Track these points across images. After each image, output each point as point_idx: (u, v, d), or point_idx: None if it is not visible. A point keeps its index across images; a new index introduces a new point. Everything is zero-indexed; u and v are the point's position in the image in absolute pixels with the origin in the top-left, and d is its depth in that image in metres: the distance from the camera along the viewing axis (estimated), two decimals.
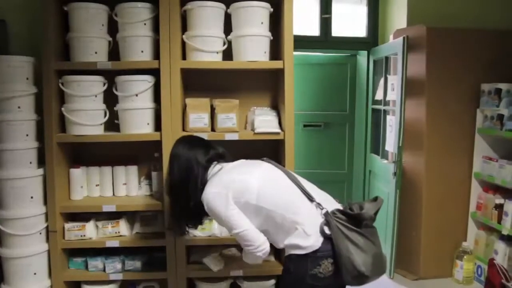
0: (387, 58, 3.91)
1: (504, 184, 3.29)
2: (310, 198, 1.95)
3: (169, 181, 2.13)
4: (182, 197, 2.07)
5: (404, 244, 3.74)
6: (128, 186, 2.83)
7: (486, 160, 3.52)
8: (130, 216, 2.80)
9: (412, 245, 3.74)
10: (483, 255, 3.53)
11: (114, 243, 2.64)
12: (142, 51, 2.61)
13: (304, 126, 4.58)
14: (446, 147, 3.61)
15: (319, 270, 1.83)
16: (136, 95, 2.61)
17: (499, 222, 3.34)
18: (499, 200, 3.38)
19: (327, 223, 1.87)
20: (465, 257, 3.55)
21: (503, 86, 3.31)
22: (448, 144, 3.62)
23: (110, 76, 2.65)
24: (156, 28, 2.60)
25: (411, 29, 3.63)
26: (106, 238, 2.66)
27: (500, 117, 3.29)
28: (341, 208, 1.98)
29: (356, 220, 1.88)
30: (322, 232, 1.86)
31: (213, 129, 2.66)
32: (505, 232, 3.27)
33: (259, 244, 1.94)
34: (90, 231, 2.65)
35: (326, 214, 1.89)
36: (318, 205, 1.93)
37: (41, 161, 2.63)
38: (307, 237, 1.86)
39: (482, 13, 3.73)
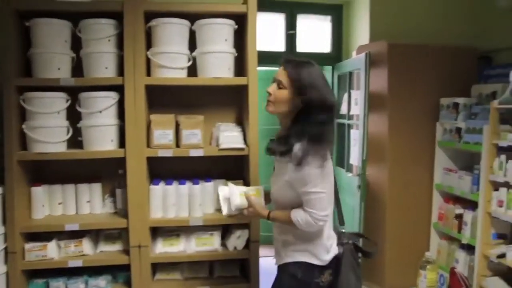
0: (350, 73, 4.00)
1: (463, 194, 3.40)
2: (340, 213, 2.12)
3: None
4: None
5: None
6: (91, 204, 2.79)
7: (446, 172, 3.63)
8: (94, 234, 2.75)
9: (376, 256, 3.79)
10: (445, 264, 3.63)
11: (77, 263, 2.59)
12: (106, 68, 2.59)
13: (271, 140, 4.62)
14: (408, 159, 3.71)
15: (321, 279, 1.97)
16: (100, 111, 2.59)
17: (459, 231, 3.44)
18: (459, 210, 3.49)
19: (341, 244, 2.08)
20: (428, 266, 3.63)
21: (460, 100, 3.44)
22: (410, 157, 3.71)
23: (73, 93, 2.62)
24: (120, 45, 2.59)
25: (373, 45, 3.73)
26: (68, 257, 2.60)
27: (458, 130, 3.41)
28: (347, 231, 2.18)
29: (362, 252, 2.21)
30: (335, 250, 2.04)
31: (178, 145, 2.66)
32: (465, 241, 3.37)
33: (322, 214, 1.89)
34: (52, 251, 2.58)
35: (341, 236, 2.11)
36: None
37: (1, 180, 2.56)
38: (328, 252, 1.99)
39: (441, 30, 3.87)
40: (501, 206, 2.97)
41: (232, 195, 2.08)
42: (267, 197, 2.16)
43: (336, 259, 2.03)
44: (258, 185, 2.28)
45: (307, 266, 1.96)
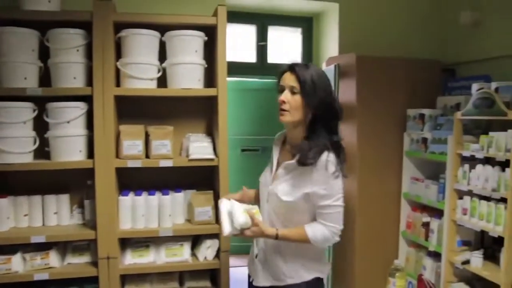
0: None
1: (429, 203, 3.47)
2: None
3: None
4: None
5: (339, 265, 3.84)
6: (59, 215, 2.75)
7: (413, 181, 3.71)
8: (62, 246, 2.71)
9: (347, 264, 3.84)
10: (413, 271, 3.68)
11: (44, 276, 2.54)
12: (74, 78, 2.58)
13: (242, 150, 4.65)
14: (377, 169, 3.76)
15: None
16: (68, 122, 2.57)
17: (426, 239, 3.51)
18: (426, 218, 3.55)
19: None
20: (397, 274, 3.66)
21: (426, 111, 3.52)
22: (378, 166, 3.77)
23: (41, 102, 2.59)
24: (89, 55, 2.59)
25: (342, 57, 3.80)
26: (34, 271, 2.55)
27: (424, 140, 3.49)
28: None
29: None
30: None
31: (147, 156, 2.66)
32: (431, 248, 3.44)
33: (340, 229, 1.89)
34: (17, 264, 2.53)
35: None
36: None
37: None
38: (328, 262, 2.06)
39: (407, 43, 3.98)
40: (465, 214, 3.05)
41: (236, 212, 1.88)
42: None
43: None
44: (253, 205, 2.05)
45: (318, 281, 1.96)
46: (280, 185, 1.89)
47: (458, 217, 3.11)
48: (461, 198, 3.10)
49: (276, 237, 1.85)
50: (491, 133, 2.82)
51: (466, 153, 3.01)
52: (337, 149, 1.84)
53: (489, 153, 2.82)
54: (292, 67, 1.88)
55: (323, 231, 1.84)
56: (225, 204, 1.96)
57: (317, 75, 1.86)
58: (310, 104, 1.83)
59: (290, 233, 1.87)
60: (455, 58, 3.88)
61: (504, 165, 2.73)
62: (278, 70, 1.96)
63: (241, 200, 2.04)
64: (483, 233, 3.13)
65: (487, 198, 2.87)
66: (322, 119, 1.85)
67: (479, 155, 2.90)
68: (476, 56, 3.64)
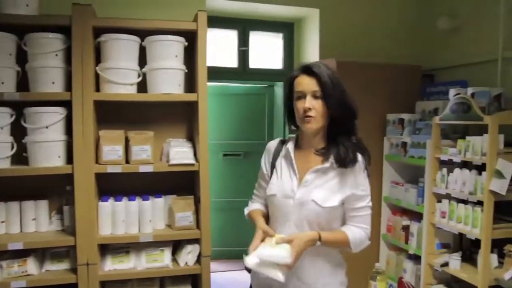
0: None
1: (409, 206, 3.52)
2: None
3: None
4: None
5: None
6: (37, 222, 2.71)
7: (393, 185, 3.75)
8: (40, 253, 2.67)
9: None
10: (394, 274, 3.72)
11: (21, 284, 2.49)
12: (53, 83, 2.55)
13: (224, 155, 4.66)
14: None
15: None
16: (47, 127, 2.54)
17: (406, 242, 3.55)
18: (405, 222, 3.60)
19: None
20: (378, 277, 3.66)
21: (405, 116, 3.58)
22: None
23: (18, 107, 2.56)
24: (68, 59, 2.56)
25: (323, 62, 3.83)
26: (11, 278, 2.51)
27: (404, 144, 3.54)
28: None
29: None
30: None
31: (127, 161, 2.64)
32: (411, 251, 3.48)
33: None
34: None
35: None
36: None
37: None
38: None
39: (387, 49, 4.03)
40: (444, 217, 3.09)
41: (272, 255, 1.63)
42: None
43: None
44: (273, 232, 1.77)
45: None
46: (315, 192, 1.76)
47: (436, 220, 3.16)
48: (439, 201, 3.15)
49: (319, 238, 1.70)
50: (468, 138, 2.87)
51: (444, 157, 3.07)
52: (363, 149, 1.83)
53: (466, 157, 2.87)
54: (310, 70, 1.76)
55: (361, 233, 1.79)
56: (252, 259, 1.66)
57: (333, 74, 1.79)
58: (331, 106, 1.75)
59: (332, 236, 1.75)
60: (434, 63, 3.95)
61: (480, 168, 2.79)
62: (289, 75, 1.84)
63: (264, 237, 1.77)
64: (461, 236, 3.18)
65: (465, 201, 2.93)
66: (342, 120, 1.78)
67: (457, 159, 2.95)
68: (454, 62, 3.72)
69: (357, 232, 1.78)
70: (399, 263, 3.72)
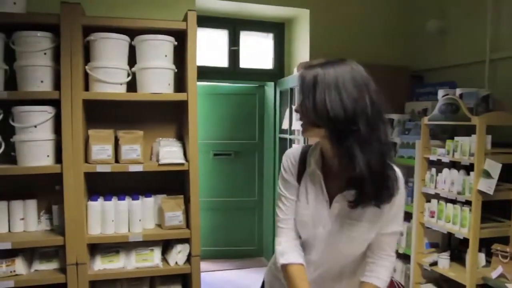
0: (291, 89, 4.10)
1: None
2: None
3: None
4: None
5: None
6: (26, 221, 2.68)
7: None
8: (28, 253, 2.65)
9: None
10: None
11: (9, 284, 2.47)
12: (42, 81, 2.53)
13: (215, 155, 4.66)
14: None
15: None
16: (35, 126, 2.52)
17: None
18: None
19: None
20: None
21: (395, 116, 3.60)
22: None
23: (6, 106, 2.53)
24: (57, 58, 2.54)
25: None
26: None
27: (394, 144, 3.57)
28: None
29: None
30: None
31: (117, 161, 2.63)
32: (401, 251, 3.50)
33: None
34: None
35: None
36: None
37: None
38: None
39: (377, 50, 4.06)
40: (432, 216, 3.12)
41: None
42: None
43: None
44: None
45: None
46: (347, 225, 1.49)
47: (426, 219, 3.18)
48: (428, 201, 3.18)
49: None
50: (456, 138, 2.90)
51: (433, 157, 3.09)
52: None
53: (454, 158, 2.90)
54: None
55: (387, 268, 1.53)
56: None
57: (325, 73, 1.43)
58: (305, 112, 1.45)
59: None
60: (423, 64, 3.99)
61: (469, 168, 2.82)
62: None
63: None
64: (450, 235, 3.21)
65: (453, 201, 2.96)
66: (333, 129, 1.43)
67: (445, 159, 2.98)
68: (443, 63, 3.75)
69: (383, 273, 1.52)
70: None
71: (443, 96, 3.04)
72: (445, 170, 3.00)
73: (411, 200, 3.38)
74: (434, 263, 3.08)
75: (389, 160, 1.43)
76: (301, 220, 1.55)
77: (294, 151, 1.63)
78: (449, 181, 2.96)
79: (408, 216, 3.47)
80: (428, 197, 3.19)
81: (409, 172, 3.53)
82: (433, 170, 3.12)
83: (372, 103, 1.39)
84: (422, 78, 4.01)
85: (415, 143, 3.25)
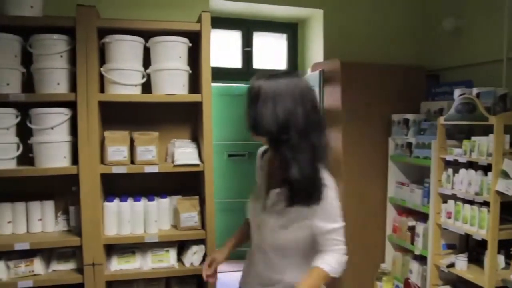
0: None
1: (415, 207, 3.51)
2: None
3: None
4: None
5: None
6: (44, 222, 2.72)
7: (398, 185, 3.74)
8: (46, 253, 2.68)
9: None
10: (400, 274, 3.71)
11: (28, 283, 2.50)
12: (58, 84, 2.56)
13: (229, 156, 4.66)
14: (363, 173, 3.79)
15: None
16: (52, 128, 2.55)
17: (412, 243, 3.54)
18: (411, 222, 3.59)
19: None
20: (384, 278, 3.67)
21: (410, 116, 3.57)
22: (364, 171, 3.80)
23: (24, 108, 2.57)
24: (73, 60, 2.57)
25: (327, 63, 3.83)
26: (18, 278, 2.52)
27: (409, 145, 3.53)
28: None
29: None
30: None
31: (132, 162, 2.65)
32: (417, 252, 3.47)
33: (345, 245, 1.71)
34: (0, 272, 2.50)
35: None
36: None
37: None
38: None
39: (391, 49, 4.03)
40: (449, 217, 3.08)
41: None
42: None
43: None
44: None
45: None
46: (274, 217, 1.71)
47: (442, 220, 3.15)
48: (445, 202, 3.14)
49: None
50: (473, 138, 2.86)
51: (449, 158, 3.06)
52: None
53: (471, 158, 2.86)
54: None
55: (336, 258, 1.68)
56: None
57: (260, 87, 1.66)
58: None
59: (312, 281, 1.66)
60: (439, 63, 3.94)
61: (486, 169, 2.77)
62: None
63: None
64: (467, 237, 3.17)
65: (471, 202, 2.91)
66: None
67: (462, 160, 2.94)
68: (459, 62, 3.70)
69: (332, 260, 1.68)
70: (405, 263, 3.70)
71: (459, 96, 3.00)
72: (462, 171, 2.96)
73: (427, 201, 3.34)
74: (452, 265, 3.04)
75: (321, 164, 1.64)
76: (248, 204, 1.90)
77: (264, 147, 1.90)
78: (466, 181, 2.92)
79: (424, 217, 3.44)
80: (444, 198, 3.15)
81: (424, 173, 3.49)
82: (450, 170, 3.08)
83: (306, 114, 1.58)
84: (438, 77, 3.96)
85: (431, 143, 3.22)
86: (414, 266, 3.56)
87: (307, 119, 1.58)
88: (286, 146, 1.59)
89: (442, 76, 3.94)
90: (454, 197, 3.04)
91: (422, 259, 3.49)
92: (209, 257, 2.04)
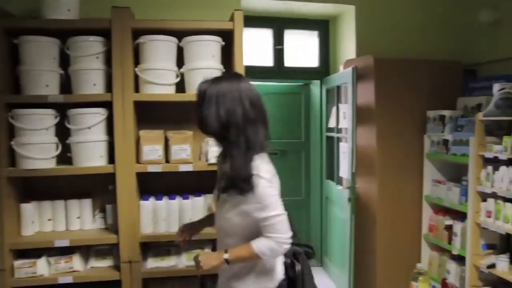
0: (338, 87, 4.05)
1: (452, 206, 3.42)
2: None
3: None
4: None
5: (361, 268, 3.80)
6: (82, 220, 2.79)
7: (435, 183, 3.66)
8: (84, 250, 2.75)
9: (368, 268, 3.80)
10: (437, 275, 3.63)
11: (68, 279, 2.58)
12: (94, 84, 2.61)
13: None
14: (397, 171, 3.73)
15: None
16: (89, 127, 2.61)
17: (449, 242, 3.46)
18: (448, 221, 3.50)
19: (293, 264, 1.94)
20: (420, 278, 3.63)
21: (446, 113, 3.48)
22: (399, 169, 3.73)
23: (62, 109, 2.64)
24: (108, 61, 2.62)
25: (359, 60, 3.79)
26: (58, 274, 2.59)
27: (445, 142, 3.45)
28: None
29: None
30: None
31: (167, 161, 2.68)
32: (455, 252, 3.38)
33: (288, 237, 1.76)
34: (42, 268, 2.57)
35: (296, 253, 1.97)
36: None
37: None
38: (277, 271, 1.91)
39: (425, 44, 3.94)
40: (489, 216, 3.00)
41: None
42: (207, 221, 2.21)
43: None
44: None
45: None
46: (220, 205, 1.88)
47: (482, 220, 3.06)
48: (484, 200, 3.05)
49: (227, 261, 1.79)
50: None
51: (488, 155, 2.97)
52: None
53: None
54: None
55: (269, 243, 1.74)
56: None
57: (207, 90, 1.84)
58: None
59: (238, 252, 1.79)
60: (475, 58, 3.83)
61: None
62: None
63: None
64: (508, 236, 3.07)
65: None
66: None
67: (503, 157, 2.85)
68: (497, 56, 3.59)
69: (264, 243, 1.75)
70: (442, 263, 3.62)
71: (499, 90, 2.91)
72: (503, 168, 2.87)
73: (465, 199, 3.26)
74: (492, 265, 2.96)
75: (257, 155, 1.76)
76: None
77: None
78: (507, 179, 2.83)
79: (462, 216, 3.35)
80: (484, 196, 3.06)
81: (462, 170, 3.41)
82: (489, 168, 2.99)
83: (244, 112, 1.76)
84: (474, 72, 3.85)
85: (469, 140, 3.13)
86: (452, 266, 3.47)
87: (245, 116, 1.76)
88: (227, 143, 1.79)
89: (479, 71, 3.83)
90: (494, 195, 2.95)
91: (460, 259, 3.40)
92: (180, 226, 2.23)
